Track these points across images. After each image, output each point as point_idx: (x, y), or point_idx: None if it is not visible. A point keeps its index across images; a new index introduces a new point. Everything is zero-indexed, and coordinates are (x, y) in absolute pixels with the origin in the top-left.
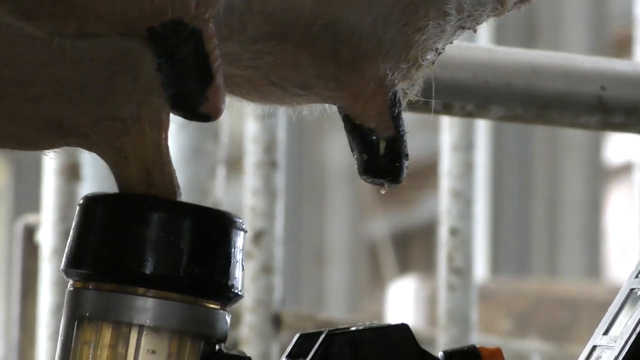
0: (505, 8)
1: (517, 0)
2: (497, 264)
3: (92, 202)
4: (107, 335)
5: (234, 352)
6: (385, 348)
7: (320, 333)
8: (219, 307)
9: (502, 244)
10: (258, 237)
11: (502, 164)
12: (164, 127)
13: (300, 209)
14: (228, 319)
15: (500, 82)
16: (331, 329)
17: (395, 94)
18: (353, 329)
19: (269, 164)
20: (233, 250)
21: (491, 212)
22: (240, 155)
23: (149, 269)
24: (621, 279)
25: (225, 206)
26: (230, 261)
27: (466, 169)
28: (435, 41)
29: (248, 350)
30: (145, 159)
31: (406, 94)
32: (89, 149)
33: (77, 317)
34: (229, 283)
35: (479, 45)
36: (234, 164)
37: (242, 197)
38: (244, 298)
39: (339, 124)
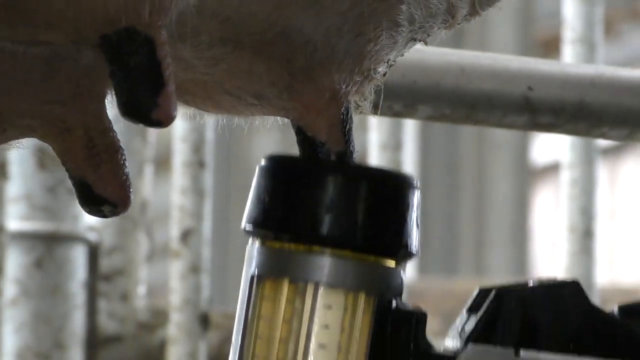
0: (455, 20)
1: (466, 13)
2: (424, 263)
3: (273, 163)
4: (285, 291)
5: (409, 307)
6: (556, 305)
7: (495, 287)
8: (393, 264)
9: (430, 243)
10: (186, 236)
11: (430, 163)
12: (102, 97)
13: (228, 209)
14: (403, 275)
15: (429, 82)
16: (501, 286)
17: (348, 109)
18: (524, 286)
19: (197, 164)
20: (407, 208)
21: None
22: (168, 154)
23: (325, 228)
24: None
25: (152, 205)
26: (405, 219)
27: (395, 168)
28: (387, 52)
29: (175, 349)
30: (87, 127)
31: (359, 106)
32: (31, 135)
33: (257, 275)
34: (404, 241)
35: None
36: (162, 163)
37: (170, 196)
38: (171, 297)
39: (268, 124)
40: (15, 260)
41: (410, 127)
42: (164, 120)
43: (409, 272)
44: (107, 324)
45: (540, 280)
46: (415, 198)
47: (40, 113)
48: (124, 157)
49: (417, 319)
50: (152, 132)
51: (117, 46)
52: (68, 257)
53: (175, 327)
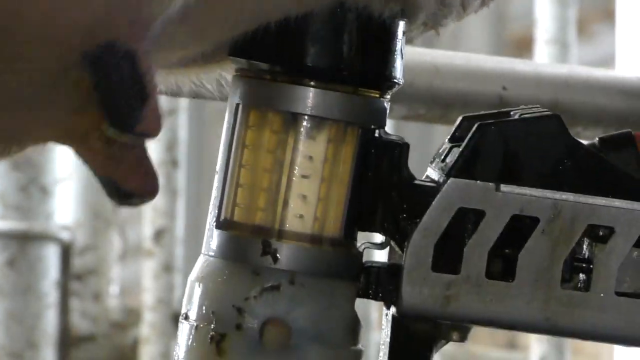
0: (466, 13)
1: (478, 6)
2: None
3: None
4: (270, 121)
5: (392, 137)
6: (537, 139)
7: (479, 116)
8: (378, 95)
9: None
10: (159, 235)
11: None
12: None
13: (201, 208)
14: (387, 105)
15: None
16: (484, 121)
17: None
18: (506, 119)
19: (170, 163)
20: (392, 40)
21: None
22: None
23: (310, 59)
24: None
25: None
26: (389, 50)
27: None
28: None
29: (148, 348)
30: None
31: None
32: (51, 142)
33: (242, 104)
34: (387, 72)
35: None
36: None
37: None
38: (144, 297)
39: None
40: None
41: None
42: (150, 132)
43: None
44: (79, 323)
45: (522, 114)
46: (400, 28)
47: (52, 129)
48: (144, 149)
49: (400, 149)
50: None
51: (99, 60)
52: (40, 256)
53: (148, 327)
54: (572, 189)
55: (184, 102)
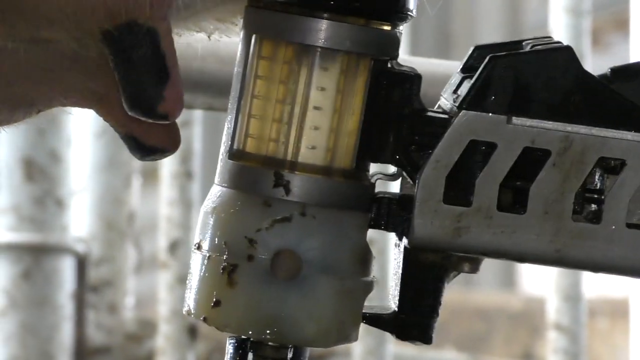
0: None
1: None
2: None
3: None
4: (283, 52)
5: (404, 68)
6: (549, 71)
7: (490, 46)
8: (390, 27)
9: None
10: (174, 247)
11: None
12: None
13: None
14: (400, 37)
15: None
16: (496, 53)
17: None
18: (517, 52)
19: (185, 174)
20: None
21: None
22: (156, 165)
23: None
24: (536, 290)
25: (140, 216)
26: None
27: None
28: None
29: None
30: None
31: None
32: (68, 106)
33: (256, 35)
34: (399, 3)
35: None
36: (150, 174)
37: (158, 207)
38: (159, 308)
39: None
40: (3, 272)
41: None
42: (170, 113)
43: None
44: (95, 335)
45: (534, 45)
46: None
47: (71, 93)
48: None
49: (412, 79)
50: None
51: (119, 40)
52: (56, 268)
53: (164, 338)
54: (582, 121)
55: (198, 114)
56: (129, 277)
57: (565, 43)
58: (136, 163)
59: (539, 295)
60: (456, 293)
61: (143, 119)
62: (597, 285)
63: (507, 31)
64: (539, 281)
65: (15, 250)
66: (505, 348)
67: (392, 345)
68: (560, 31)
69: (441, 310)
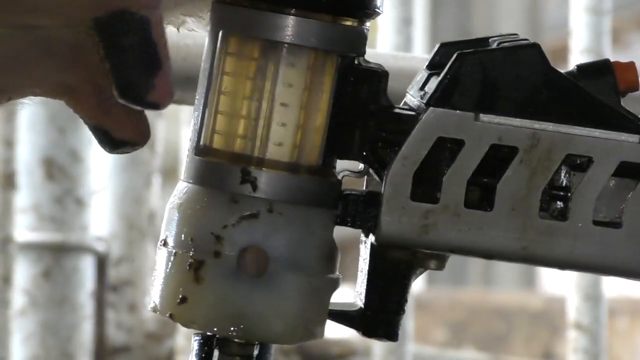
0: None
1: None
2: (432, 273)
3: None
4: (249, 48)
5: (371, 65)
6: (516, 68)
7: (456, 43)
8: (357, 24)
9: None
10: None
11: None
12: None
13: None
14: (367, 33)
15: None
16: (463, 50)
17: None
18: (485, 49)
19: None
20: None
21: None
22: (176, 164)
23: None
24: (556, 290)
25: (160, 216)
26: None
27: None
28: None
29: (184, 359)
30: (92, 79)
31: None
32: (38, 96)
33: (223, 31)
34: (366, 0)
35: (414, 55)
36: (170, 173)
37: None
38: None
39: None
40: (24, 271)
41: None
42: (160, 102)
43: (418, 282)
44: (115, 335)
45: (501, 42)
46: None
47: (42, 83)
48: None
49: (379, 76)
50: (160, 143)
51: (110, 29)
52: (76, 267)
53: (184, 338)
54: (550, 118)
55: None
56: (149, 276)
57: (585, 42)
58: (156, 162)
59: (559, 294)
60: (476, 292)
61: (133, 107)
62: (617, 285)
63: (527, 30)
64: (559, 280)
65: (35, 249)
66: (525, 348)
67: (413, 344)
68: (580, 30)
69: (457, 309)
